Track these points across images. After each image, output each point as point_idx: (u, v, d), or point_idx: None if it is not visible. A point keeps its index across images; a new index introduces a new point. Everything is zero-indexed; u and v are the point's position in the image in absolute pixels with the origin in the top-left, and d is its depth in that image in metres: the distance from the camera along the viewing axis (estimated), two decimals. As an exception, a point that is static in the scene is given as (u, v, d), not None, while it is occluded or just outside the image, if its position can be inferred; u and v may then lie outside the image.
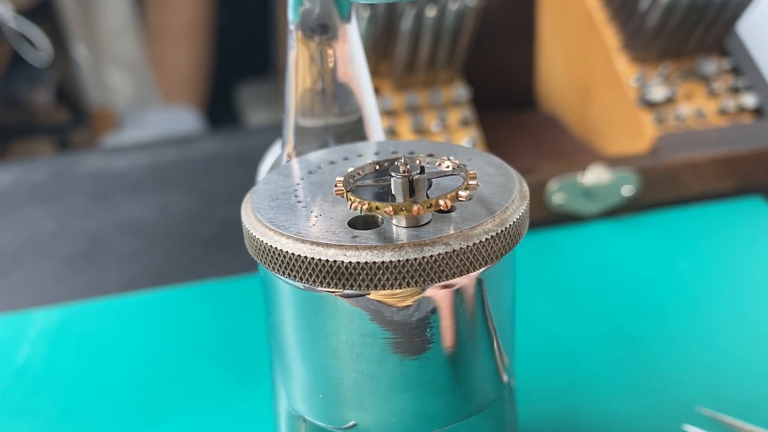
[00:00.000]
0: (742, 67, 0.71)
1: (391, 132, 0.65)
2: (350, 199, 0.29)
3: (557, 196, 0.63)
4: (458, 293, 0.30)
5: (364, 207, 0.29)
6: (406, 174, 0.29)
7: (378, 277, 0.27)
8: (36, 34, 1.39)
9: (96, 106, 1.64)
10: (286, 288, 0.30)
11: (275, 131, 0.87)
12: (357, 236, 0.28)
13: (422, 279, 0.28)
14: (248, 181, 0.74)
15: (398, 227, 0.29)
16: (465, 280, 0.30)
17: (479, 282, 0.30)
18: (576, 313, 0.53)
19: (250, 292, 0.58)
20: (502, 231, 0.29)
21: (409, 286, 0.28)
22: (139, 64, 1.66)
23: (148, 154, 0.88)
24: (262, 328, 0.51)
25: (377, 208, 0.28)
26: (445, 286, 0.29)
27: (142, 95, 1.66)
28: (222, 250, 0.66)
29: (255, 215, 0.30)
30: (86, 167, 0.86)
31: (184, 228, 0.71)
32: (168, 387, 0.49)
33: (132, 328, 0.56)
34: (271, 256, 0.29)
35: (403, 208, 0.28)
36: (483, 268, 0.29)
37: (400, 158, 0.30)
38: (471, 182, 0.30)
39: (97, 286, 0.62)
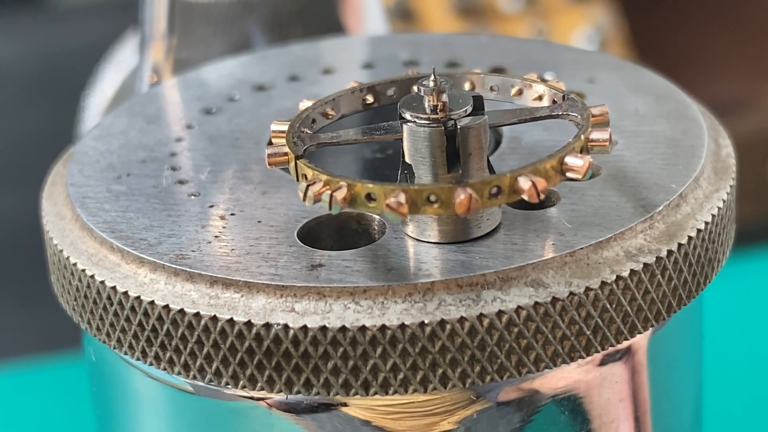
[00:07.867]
0: None
1: (404, 14, 0.60)
2: (305, 177, 0.24)
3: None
4: (565, 403, 0.25)
5: (339, 195, 0.24)
6: (441, 116, 0.24)
7: (372, 363, 0.23)
8: None
9: None
10: (150, 388, 0.26)
11: (123, 12, 0.82)
12: (321, 265, 0.24)
13: (478, 370, 0.23)
14: (60, 129, 0.69)
15: (420, 243, 0.25)
16: (581, 373, 0.25)
17: (613, 374, 0.25)
18: None
19: (64, 394, 0.50)
20: (669, 254, 0.24)
21: (444, 387, 0.23)
22: None
23: None
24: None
25: (370, 197, 0.24)
26: (531, 389, 0.25)
27: None
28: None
29: (75, 214, 0.26)
30: None
31: None
32: None
33: None
34: (114, 314, 0.25)
35: (433, 198, 0.24)
36: (623, 344, 0.24)
37: (426, 78, 0.25)
38: (596, 136, 0.24)
39: None
